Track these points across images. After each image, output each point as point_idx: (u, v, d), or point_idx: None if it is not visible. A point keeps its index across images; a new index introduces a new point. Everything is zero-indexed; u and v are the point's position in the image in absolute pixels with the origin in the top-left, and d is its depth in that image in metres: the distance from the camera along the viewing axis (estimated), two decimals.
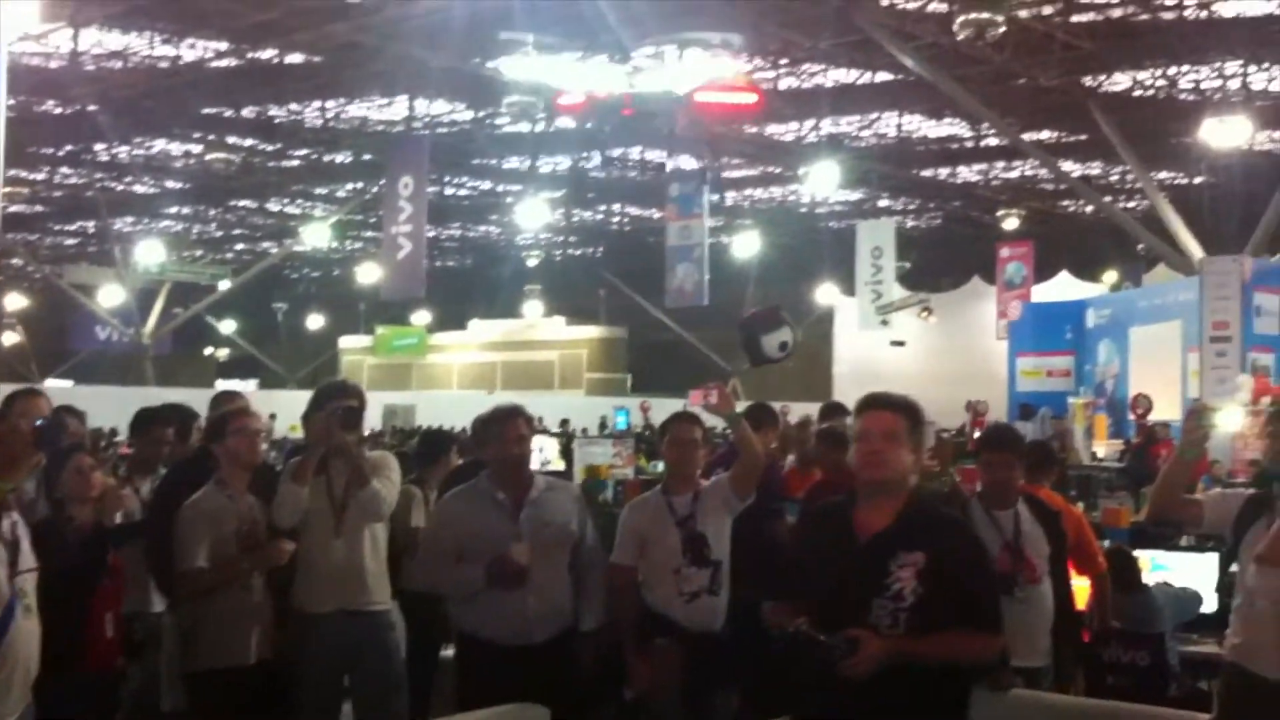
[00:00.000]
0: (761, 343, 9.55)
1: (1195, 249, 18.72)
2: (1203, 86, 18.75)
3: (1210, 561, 7.05)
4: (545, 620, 5.36)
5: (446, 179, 26.53)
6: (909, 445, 3.88)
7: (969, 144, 22.66)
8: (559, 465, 13.67)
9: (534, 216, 26.46)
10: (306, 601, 5.47)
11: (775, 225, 29.58)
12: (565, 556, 5.52)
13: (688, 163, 21.94)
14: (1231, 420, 11.29)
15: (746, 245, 28.94)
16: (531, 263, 36.63)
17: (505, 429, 5.52)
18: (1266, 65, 17.74)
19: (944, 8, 15.50)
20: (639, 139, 21.76)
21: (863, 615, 3.68)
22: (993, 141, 22.02)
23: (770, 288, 30.26)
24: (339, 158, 24.54)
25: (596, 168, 25.59)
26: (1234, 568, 4.83)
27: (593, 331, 42.14)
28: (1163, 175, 22.63)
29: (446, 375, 44.25)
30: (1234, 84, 18.31)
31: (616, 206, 30.76)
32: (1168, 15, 16.11)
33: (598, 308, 41.11)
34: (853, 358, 30.60)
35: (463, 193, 28.66)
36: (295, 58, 18.01)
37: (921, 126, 21.93)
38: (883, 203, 27.90)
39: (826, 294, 31.34)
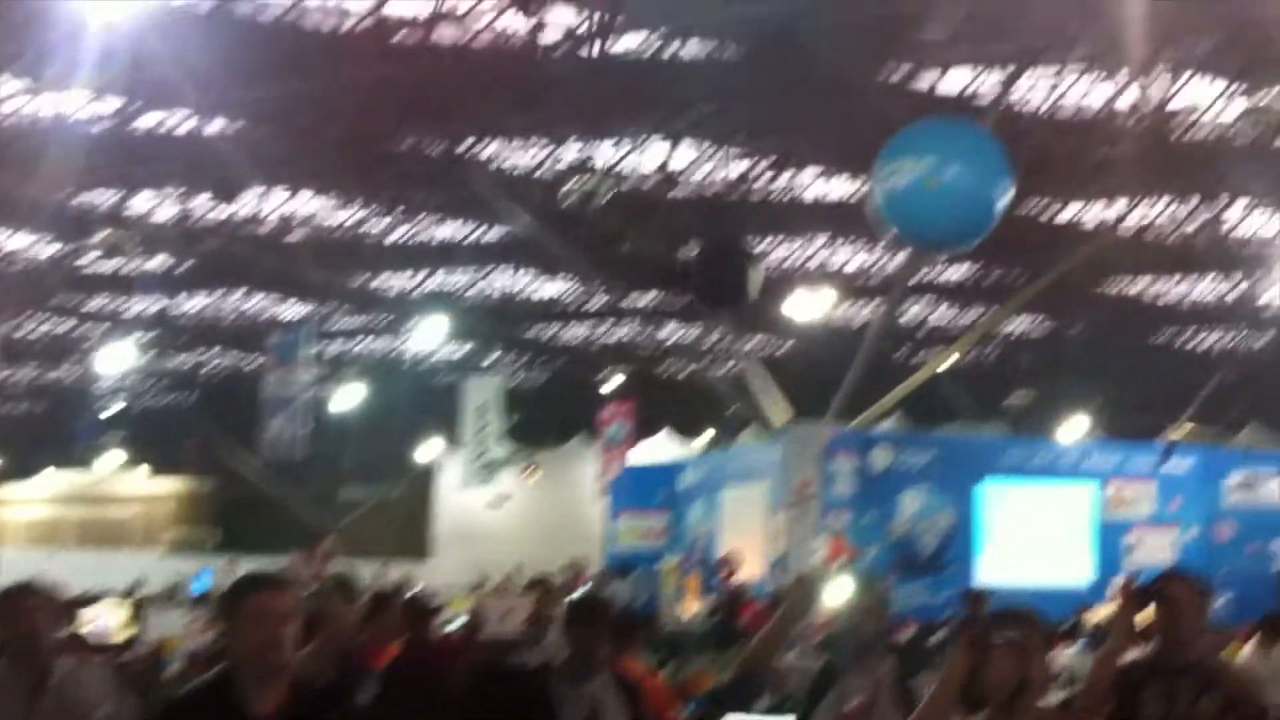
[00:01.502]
0: (749, 275, 7.33)
1: (782, 413, 19.57)
2: (792, 259, 19.92)
3: None
4: None
5: (23, 317, 24.50)
6: None
7: (576, 304, 23.08)
8: (123, 635, 12.31)
9: (119, 360, 24.77)
10: None
11: (380, 378, 28.99)
12: None
13: (292, 309, 21.21)
14: (840, 592, 11.51)
15: (348, 398, 28.17)
16: (114, 409, 34.23)
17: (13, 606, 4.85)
18: (847, 242, 19.07)
19: (553, 171, 15.81)
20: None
21: None
22: (599, 302, 22.52)
23: (372, 442, 29.51)
24: None
25: (191, 310, 24.36)
26: None
27: (178, 484, 39.70)
28: (754, 341, 23.76)
29: (14, 531, 40.44)
30: (818, 259, 19.54)
31: (210, 352, 29.33)
32: (762, 191, 17.06)
33: (185, 459, 38.80)
34: (453, 516, 30.19)
35: (39, 333, 26.53)
36: None
37: (530, 284, 22.17)
38: (490, 359, 27.93)
39: (429, 450, 30.89)
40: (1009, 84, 13.22)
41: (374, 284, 21.70)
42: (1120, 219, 17.62)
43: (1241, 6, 11.55)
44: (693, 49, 13.11)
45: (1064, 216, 17.87)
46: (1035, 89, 13.78)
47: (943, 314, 23.62)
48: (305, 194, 17.37)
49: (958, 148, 9.39)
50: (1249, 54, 12.58)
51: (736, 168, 16.44)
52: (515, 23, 12.46)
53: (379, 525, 32.97)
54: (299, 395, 20.48)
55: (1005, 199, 9.47)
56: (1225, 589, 15.55)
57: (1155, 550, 20.01)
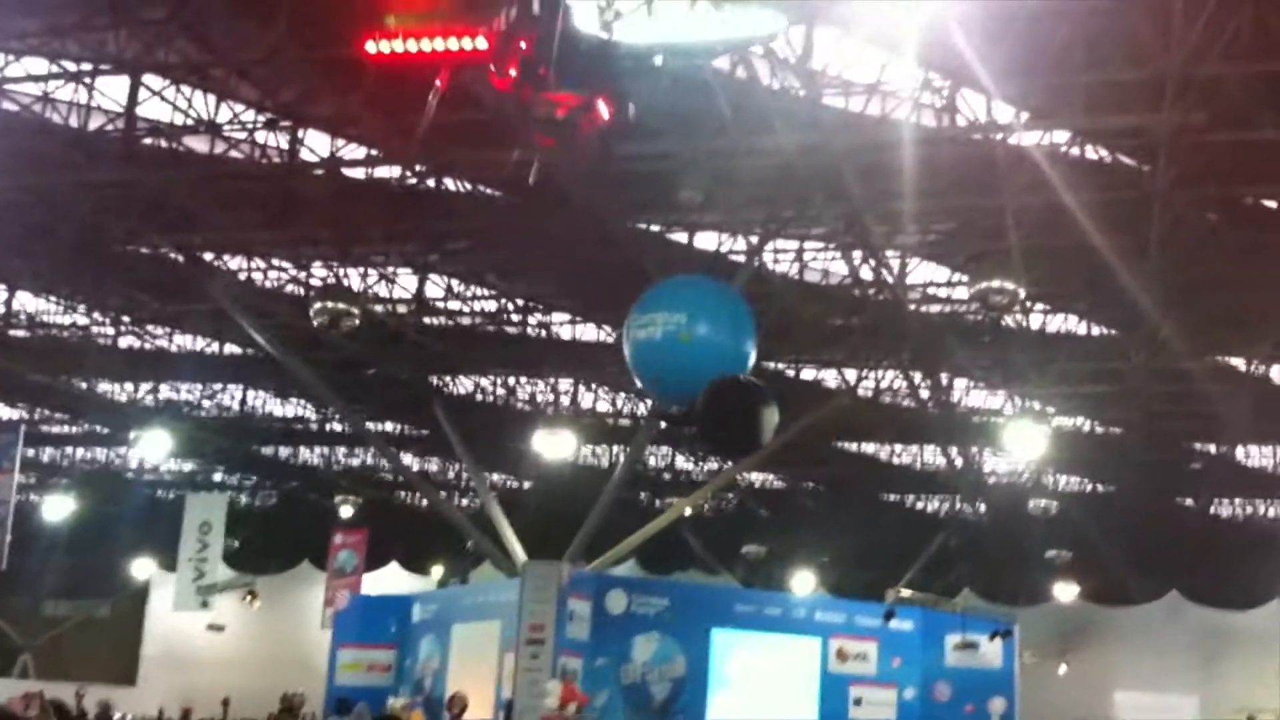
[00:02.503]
0: (762, 419, 6.73)
1: (520, 552, 19.31)
2: (538, 398, 19.87)
3: None
4: None
5: None
6: None
7: (313, 426, 22.44)
8: None
9: None
10: None
11: (95, 489, 27.41)
12: None
13: (2, 411, 19.91)
14: None
15: (58, 508, 26.46)
16: None
17: None
18: (594, 386, 19.15)
19: (300, 290, 15.40)
20: None
21: None
22: (337, 427, 21.95)
23: (81, 556, 27.78)
24: None
25: None
26: None
27: None
28: (496, 477, 23.54)
29: None
30: (565, 399, 19.56)
31: None
32: (512, 329, 17.02)
33: None
34: (166, 639, 28.52)
35: None
36: None
37: (267, 403, 21.47)
38: (217, 476, 26.82)
39: (143, 568, 29.23)
40: (758, 248, 13.58)
41: (97, 390, 20.61)
42: (858, 382, 18.26)
43: (977, 200, 12.21)
44: (452, 184, 13.06)
45: (805, 376, 18.43)
46: (782, 255, 14.23)
47: (683, 463, 23.99)
48: (27, 293, 16.45)
49: (710, 306, 9.61)
50: (978, 243, 13.29)
51: (487, 304, 16.40)
52: (272, 139, 12.18)
53: (83, 645, 30.88)
54: (3, 501, 19.10)
55: (752, 356, 9.70)
56: None
57: (878, 708, 20.42)
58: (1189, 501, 25.01)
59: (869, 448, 22.86)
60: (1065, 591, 27.28)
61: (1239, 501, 25.49)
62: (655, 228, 14.08)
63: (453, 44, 5.19)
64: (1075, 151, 11.53)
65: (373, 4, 5.46)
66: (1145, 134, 10.44)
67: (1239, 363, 16.67)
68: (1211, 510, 25.65)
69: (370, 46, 5.32)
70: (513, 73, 5.08)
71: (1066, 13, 9.65)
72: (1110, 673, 28.39)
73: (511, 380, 19.24)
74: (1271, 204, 12.38)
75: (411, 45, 5.40)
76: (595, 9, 5.21)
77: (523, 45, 5.11)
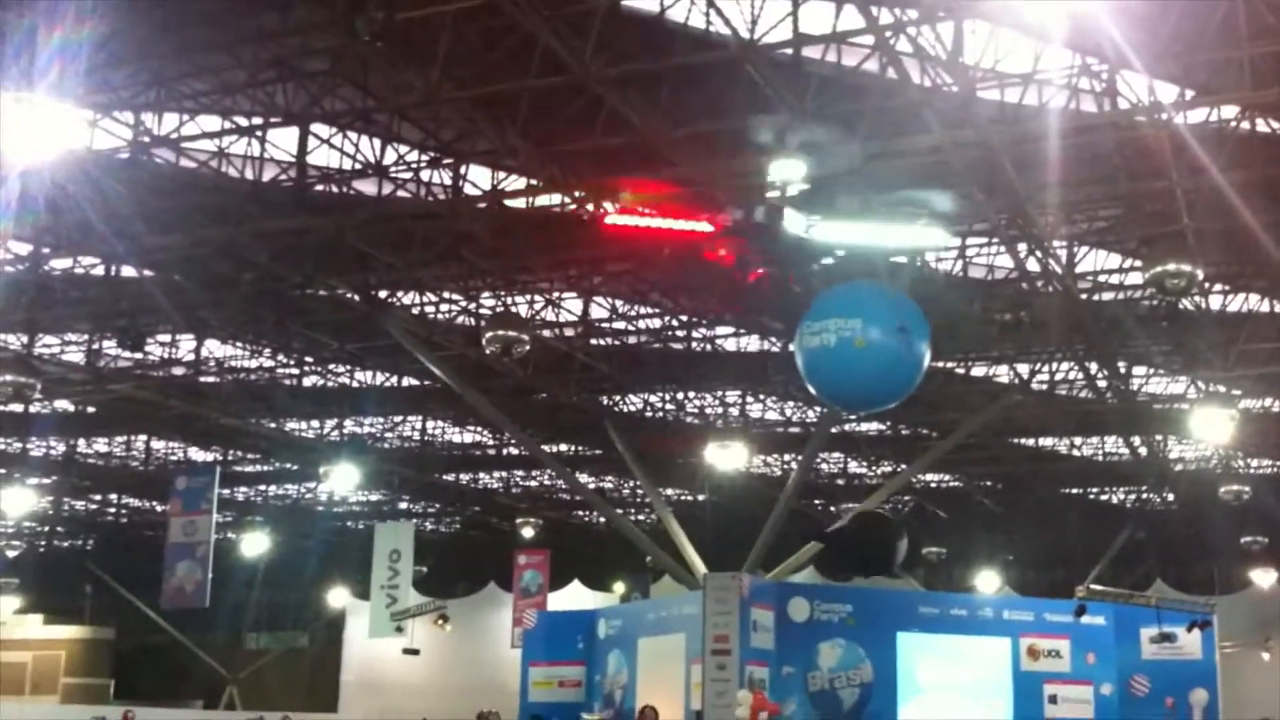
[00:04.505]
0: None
1: (699, 564, 19.44)
2: (706, 412, 19.98)
3: None
4: None
5: None
6: None
7: (490, 452, 22.93)
8: None
9: (17, 503, 24.06)
10: None
11: (288, 524, 28.47)
12: None
13: (198, 454, 20.82)
14: None
15: (255, 544, 27.56)
16: (10, 554, 33.20)
17: None
18: (761, 396, 19.18)
19: (471, 321, 15.80)
20: None
21: None
22: (513, 451, 22.38)
23: (278, 589, 28.85)
24: None
25: (93, 454, 23.84)
26: None
27: (73, 631, 38.35)
28: (670, 492, 23.71)
29: None
30: (734, 411, 19.64)
31: (112, 496, 28.64)
32: (677, 345, 17.17)
33: (83, 605, 37.60)
34: (363, 665, 29.39)
35: None
36: None
37: (445, 432, 22.01)
38: (402, 505, 27.57)
39: (337, 598, 30.21)
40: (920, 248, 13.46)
41: (285, 429, 21.41)
42: (1031, 376, 17.94)
43: (1145, 183, 11.94)
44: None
45: (976, 373, 18.19)
46: (946, 253, 14.08)
47: (856, 468, 23.84)
48: (215, 341, 17.21)
49: (882, 309, 9.57)
50: (1149, 227, 12.98)
51: (652, 322, 16.58)
52: (436, 177, 12.56)
53: (284, 675, 32.05)
54: (203, 541, 19.96)
55: (927, 359, 9.64)
56: None
57: (1074, 705, 20.01)
58: None
59: (1046, 442, 22.38)
60: (1264, 578, 26.32)
61: None
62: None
63: (682, 224, 7.29)
64: (1244, 126, 11.17)
65: (608, 183, 6.82)
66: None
67: None
68: None
69: (609, 220, 6.93)
70: (723, 252, 7.11)
71: None
72: None
73: (680, 395, 19.37)
74: None
75: (645, 221, 7.21)
76: (801, 219, 7.27)
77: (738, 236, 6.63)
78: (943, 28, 10.16)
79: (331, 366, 18.28)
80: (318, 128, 11.77)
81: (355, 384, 19.03)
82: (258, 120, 11.65)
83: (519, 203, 13.11)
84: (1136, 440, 21.11)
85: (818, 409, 17.47)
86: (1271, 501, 22.35)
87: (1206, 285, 14.48)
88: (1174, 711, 20.34)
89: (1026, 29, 10.30)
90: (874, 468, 23.60)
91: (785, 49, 10.85)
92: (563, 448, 22.32)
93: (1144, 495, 23.10)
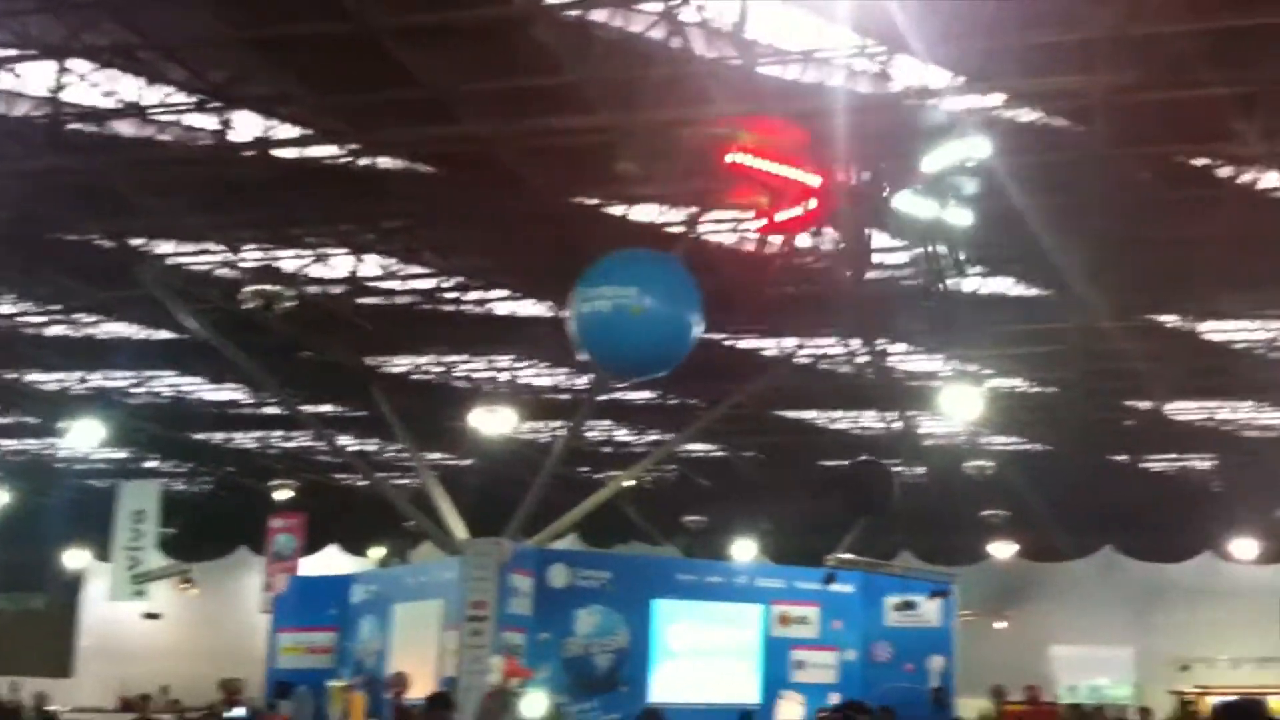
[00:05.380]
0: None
1: (461, 530, 19.25)
2: (475, 376, 19.77)
3: None
4: None
5: None
6: None
7: (247, 410, 22.16)
8: None
9: None
10: None
11: (25, 480, 26.92)
12: None
13: None
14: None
15: None
16: None
17: None
18: (534, 361, 19.09)
19: (233, 274, 15.19)
20: None
21: None
22: (273, 411, 21.70)
23: (13, 548, 27.30)
24: None
25: None
26: None
27: None
28: (435, 456, 23.39)
29: None
30: (504, 376, 19.49)
31: None
32: (447, 308, 16.90)
33: None
34: (102, 629, 28.17)
35: None
36: None
37: (199, 389, 21.16)
38: (150, 464, 26.42)
39: (76, 559, 28.80)
40: (695, 219, 13.58)
41: (26, 380, 20.22)
42: (795, 351, 18.36)
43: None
44: (387, 162, 12.91)
45: (743, 345, 18.49)
46: (720, 225, 14.24)
47: (624, 436, 23.99)
48: None
49: (657, 279, 9.65)
50: None
51: (425, 283, 16.26)
52: (203, 122, 11.96)
53: (18, 638, 30.43)
54: None
55: (699, 329, 9.75)
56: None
57: (819, 670, 20.76)
58: (1122, 458, 25.43)
59: (808, 415, 23.00)
60: (1002, 550, 27.74)
61: (1170, 457, 25.97)
62: (590, 201, 14.02)
63: (792, 172, 6.21)
64: (1010, 115, 11.61)
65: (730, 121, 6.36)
66: (1080, 95, 10.54)
67: (1170, 320, 16.94)
68: (1143, 466, 26.13)
69: (728, 157, 6.64)
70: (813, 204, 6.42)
71: None
72: (1047, 628, 29.00)
73: (450, 357, 19.11)
74: (1203, 161, 12.56)
75: (760, 163, 6.72)
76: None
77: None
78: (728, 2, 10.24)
79: (79, 316, 17.29)
80: (76, 63, 11.03)
81: (104, 335, 18.06)
82: (11, 52, 10.86)
83: (290, 153, 12.65)
84: (892, 415, 21.90)
85: (588, 376, 17.47)
86: (1013, 477, 23.55)
87: (967, 267, 15.03)
88: (913, 677, 21.35)
89: (811, 7, 10.43)
90: (641, 435, 23.82)
91: (572, 10, 10.76)
92: (326, 408, 21.75)
93: (897, 468, 23.91)
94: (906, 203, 7.95)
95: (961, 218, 7.95)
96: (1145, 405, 21.55)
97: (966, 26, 10.05)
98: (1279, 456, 23.19)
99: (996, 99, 11.44)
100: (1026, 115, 11.70)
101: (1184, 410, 21.86)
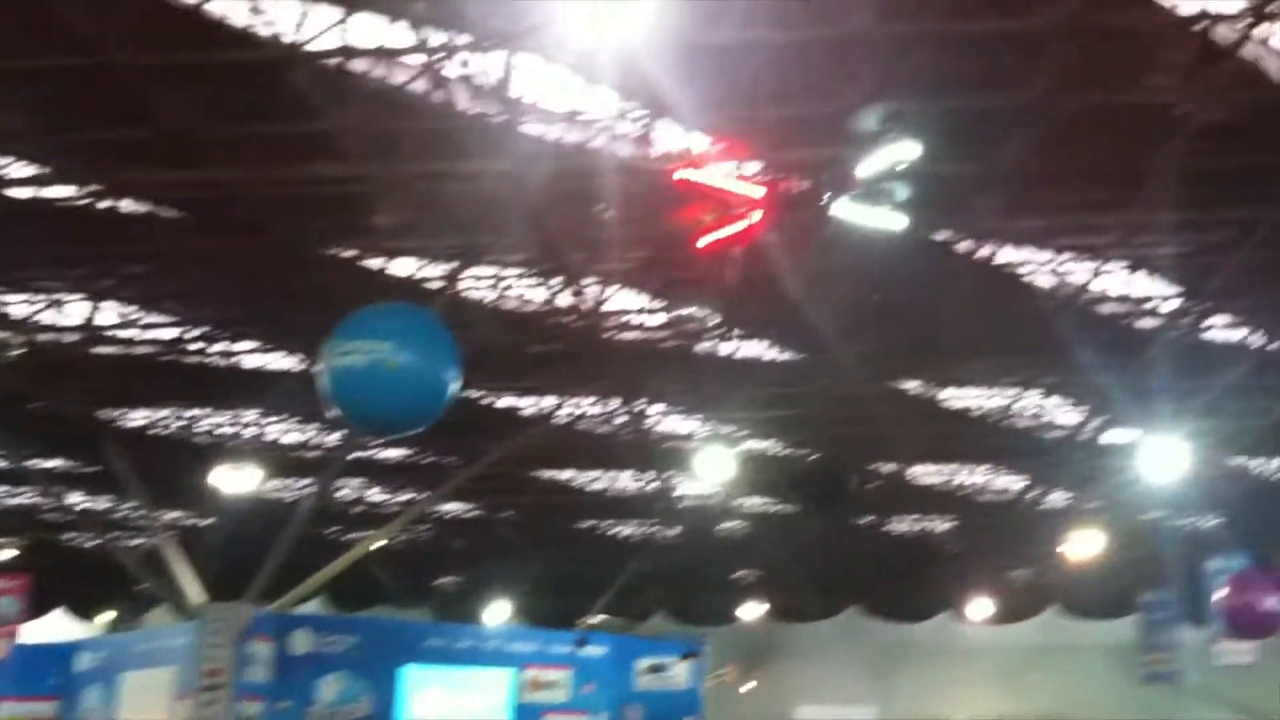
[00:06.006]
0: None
1: (197, 593, 18.40)
2: (219, 431, 19.01)
3: None
4: None
5: None
6: None
7: None
8: None
9: None
10: None
11: None
12: None
13: None
14: None
15: None
16: None
17: None
18: (283, 416, 18.48)
19: None
20: None
21: None
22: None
23: None
24: None
25: None
26: None
27: None
28: (174, 515, 22.36)
29: None
30: (250, 432, 18.79)
31: None
32: (190, 359, 16.21)
33: None
34: None
35: None
36: None
37: None
38: None
39: None
40: (455, 275, 13.40)
41: None
42: (554, 410, 18.28)
43: (665, 229, 12.41)
44: (130, 205, 12.31)
45: (502, 404, 18.35)
46: (480, 282, 14.11)
47: (376, 496, 23.46)
48: None
49: (414, 334, 9.39)
50: (670, 272, 13.54)
51: (167, 332, 15.55)
52: None
53: None
54: None
55: (457, 386, 9.54)
56: None
57: None
58: (868, 520, 26.22)
59: (565, 475, 22.96)
60: (751, 611, 28.19)
61: (913, 518, 26.93)
62: (349, 253, 13.69)
63: (738, 185, 7.11)
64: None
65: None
66: (831, 167, 10.81)
67: (913, 385, 17.56)
68: (886, 529, 27.00)
69: (676, 174, 6.92)
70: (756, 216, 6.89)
71: (754, 46, 9.92)
72: (794, 688, 29.57)
73: (191, 412, 18.32)
74: (944, 235, 13.11)
75: (707, 178, 7.16)
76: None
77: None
78: (493, 56, 10.16)
79: None
80: None
81: None
82: None
83: (22, 192, 11.91)
84: (648, 476, 22.04)
85: (340, 432, 17.00)
86: (763, 538, 23.99)
87: (721, 331, 15.31)
88: None
89: (577, 68, 10.45)
90: (394, 495, 23.33)
91: (332, 58, 10.51)
92: (55, 463, 20.55)
93: (652, 529, 24.13)
94: (845, 209, 7.98)
95: (898, 223, 7.99)
96: (889, 468, 22.30)
97: (725, 95, 10.22)
98: (1012, 520, 24.30)
99: (753, 167, 11.68)
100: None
101: (925, 474, 22.71)
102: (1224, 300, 14.43)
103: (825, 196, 7.84)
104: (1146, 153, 11.05)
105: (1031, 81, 9.63)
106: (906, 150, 7.81)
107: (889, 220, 8.01)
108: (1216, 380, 16.18)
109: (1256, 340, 15.58)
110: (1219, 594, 19.56)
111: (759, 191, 7.74)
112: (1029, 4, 9.25)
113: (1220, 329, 15.87)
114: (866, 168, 7.87)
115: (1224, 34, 9.95)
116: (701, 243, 7.92)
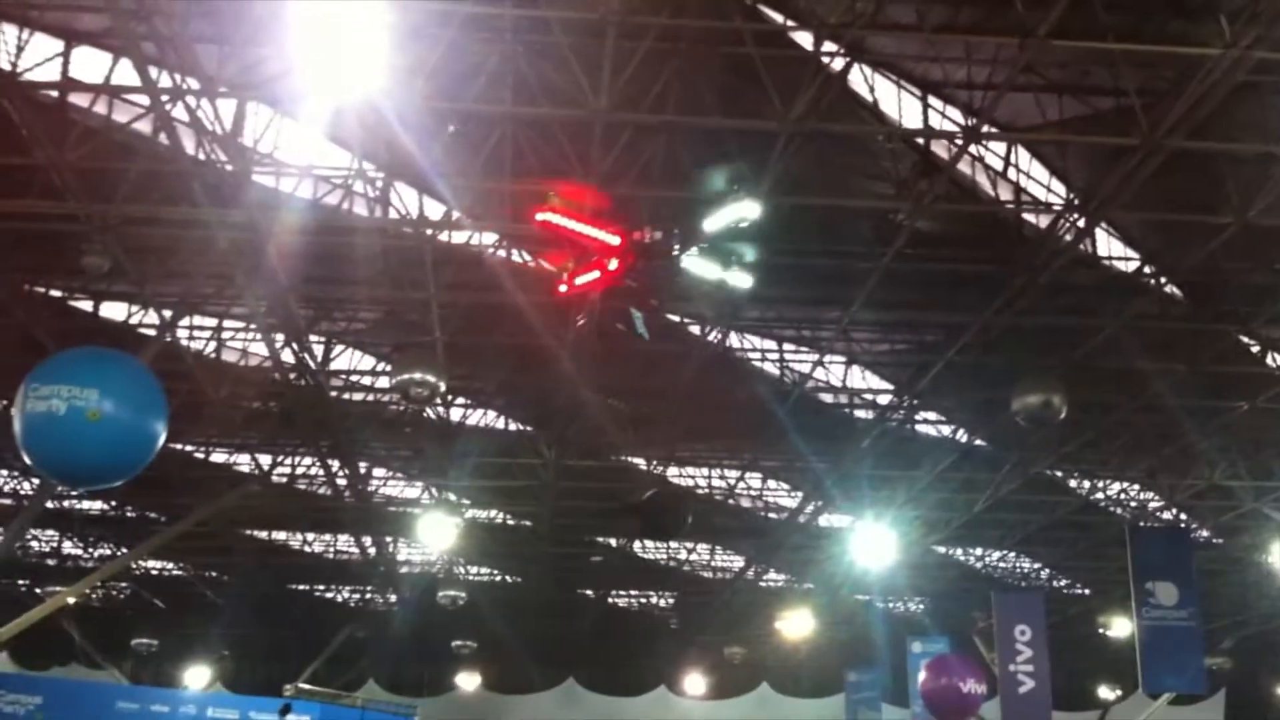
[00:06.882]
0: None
1: None
2: None
3: None
4: None
5: None
6: None
7: None
8: None
9: None
10: None
11: None
12: None
13: None
14: None
15: None
16: None
17: None
18: None
19: None
20: None
21: None
22: None
23: None
24: None
25: None
26: None
27: None
28: None
29: None
30: None
31: None
32: None
33: None
34: None
35: None
36: None
37: None
38: None
39: None
40: (172, 323, 12.80)
41: None
42: (272, 468, 17.62)
43: (404, 292, 12.22)
44: None
45: (216, 459, 17.62)
46: (200, 332, 13.54)
47: (71, 548, 22.14)
48: None
49: (119, 382, 8.82)
50: (403, 335, 13.32)
51: None
52: None
53: None
54: None
55: (162, 439, 9.01)
56: None
57: None
58: (590, 592, 26.24)
59: (280, 535, 22.17)
60: (468, 681, 27.72)
61: (634, 593, 27.10)
62: (55, 293, 12.94)
63: (594, 232, 7.67)
64: (501, 254, 11.81)
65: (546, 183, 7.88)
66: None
67: (638, 461, 17.69)
68: (610, 601, 27.07)
69: (539, 215, 7.53)
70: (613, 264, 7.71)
71: (498, 120, 9.91)
72: None
73: None
74: (676, 318, 13.32)
75: (567, 222, 7.75)
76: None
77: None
78: (224, 104, 9.81)
79: None
80: None
81: None
82: None
83: None
84: (368, 540, 21.47)
85: (35, 480, 15.96)
86: (485, 607, 23.66)
87: (449, 398, 15.09)
88: None
89: (315, 123, 10.19)
90: (91, 549, 22.04)
91: (51, 90, 9.98)
92: None
93: (369, 595, 23.50)
94: (693, 263, 8.15)
95: (743, 280, 8.17)
96: (614, 542, 22.40)
97: (464, 164, 10.15)
98: (730, 596, 24.73)
99: (490, 238, 11.63)
100: (517, 256, 11.97)
101: (649, 549, 22.89)
102: (930, 398, 15.10)
103: (676, 248, 8.14)
104: (866, 255, 11.52)
105: (760, 179, 9.89)
106: (748, 209, 8.09)
107: (734, 277, 8.33)
108: (922, 472, 16.96)
109: (961, 437, 16.37)
110: (921, 676, 20.24)
111: (614, 239, 8.01)
112: (759, 110, 9.51)
113: (928, 424, 16.64)
114: (711, 224, 8.11)
115: (941, 150, 10.50)
116: (563, 288, 8.23)
